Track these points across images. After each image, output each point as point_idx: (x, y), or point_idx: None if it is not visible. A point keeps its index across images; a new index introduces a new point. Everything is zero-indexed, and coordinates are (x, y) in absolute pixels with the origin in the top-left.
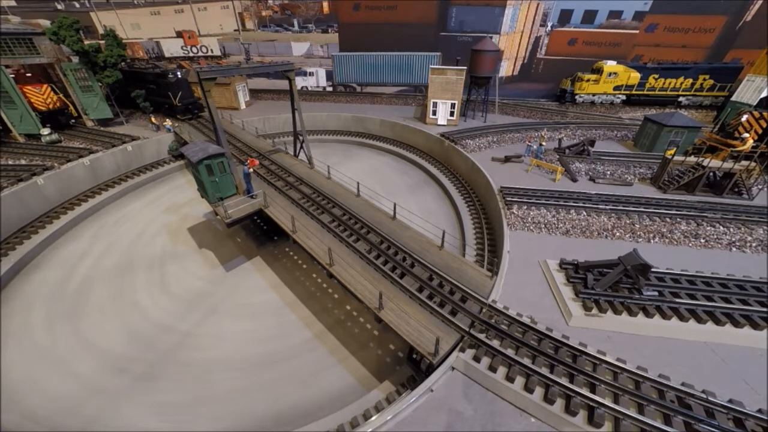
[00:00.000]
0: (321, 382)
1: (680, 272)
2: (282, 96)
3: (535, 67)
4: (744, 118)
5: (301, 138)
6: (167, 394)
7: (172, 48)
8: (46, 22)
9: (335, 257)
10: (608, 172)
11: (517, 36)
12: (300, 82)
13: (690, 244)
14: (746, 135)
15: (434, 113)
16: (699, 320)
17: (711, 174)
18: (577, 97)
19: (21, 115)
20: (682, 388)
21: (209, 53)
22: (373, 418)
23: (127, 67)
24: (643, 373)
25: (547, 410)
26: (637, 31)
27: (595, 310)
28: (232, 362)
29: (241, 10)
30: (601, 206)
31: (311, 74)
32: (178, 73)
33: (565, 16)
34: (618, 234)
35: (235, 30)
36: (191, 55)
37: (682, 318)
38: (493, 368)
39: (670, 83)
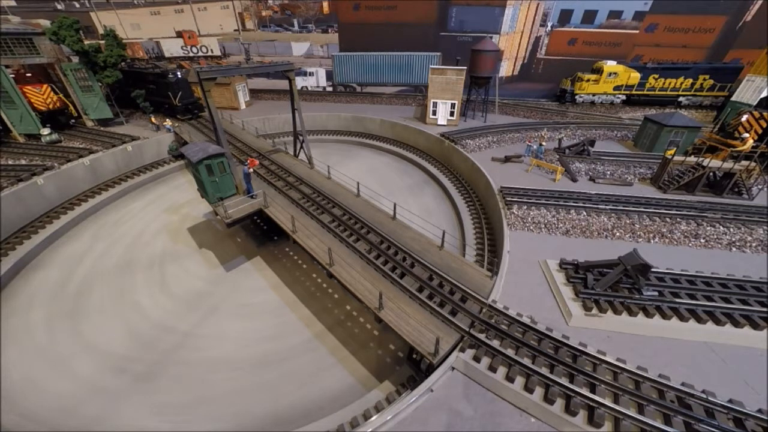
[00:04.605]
0: (321, 382)
1: (680, 272)
2: (282, 96)
3: (535, 67)
4: (744, 118)
5: (301, 138)
6: (167, 394)
7: (172, 48)
8: (46, 22)
9: (335, 257)
10: (608, 172)
11: (517, 36)
12: (300, 82)
13: (690, 244)
14: (746, 135)
15: (434, 113)
16: (699, 320)
17: (711, 174)
18: (577, 97)
19: (21, 115)
20: (682, 388)
21: (209, 53)
22: (373, 418)
23: (127, 67)
24: (643, 373)
25: (547, 410)
26: (637, 31)
27: (595, 310)
28: (232, 362)
29: (241, 10)
30: (601, 206)
31: (311, 74)
32: (178, 73)
33: (565, 16)
34: (618, 234)
35: (235, 30)
36: (191, 55)
37: (682, 318)
38: (493, 368)
39: (670, 83)
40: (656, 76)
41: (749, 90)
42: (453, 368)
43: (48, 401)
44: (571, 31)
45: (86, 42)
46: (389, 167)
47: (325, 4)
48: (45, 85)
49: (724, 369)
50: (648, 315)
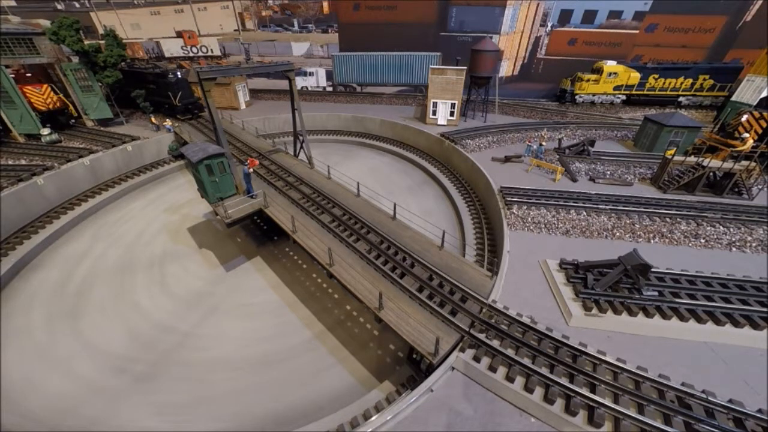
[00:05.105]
0: (321, 382)
1: (680, 272)
2: (282, 96)
3: (535, 67)
4: (744, 118)
5: (301, 138)
6: (167, 394)
7: (172, 48)
8: (46, 22)
9: (335, 257)
10: (608, 172)
11: (517, 36)
12: (300, 82)
13: (690, 244)
14: (746, 135)
15: (434, 113)
16: (699, 320)
17: (711, 174)
18: (577, 97)
19: (21, 115)
20: (682, 388)
21: (209, 53)
22: (373, 418)
23: (127, 67)
24: (643, 373)
25: (547, 410)
26: (637, 31)
27: (595, 310)
28: (232, 362)
29: (241, 10)
30: (601, 206)
31: (311, 74)
32: (178, 73)
33: (565, 16)
34: (618, 234)
35: (235, 30)
36: (191, 55)
37: (682, 318)
38: (493, 368)
39: (670, 83)
40: (656, 76)
41: (749, 90)
42: (453, 368)
43: (48, 401)
44: (571, 31)
45: (86, 42)
46: (389, 167)
47: (325, 4)
48: (45, 85)
49: (724, 369)
50: (648, 315)
